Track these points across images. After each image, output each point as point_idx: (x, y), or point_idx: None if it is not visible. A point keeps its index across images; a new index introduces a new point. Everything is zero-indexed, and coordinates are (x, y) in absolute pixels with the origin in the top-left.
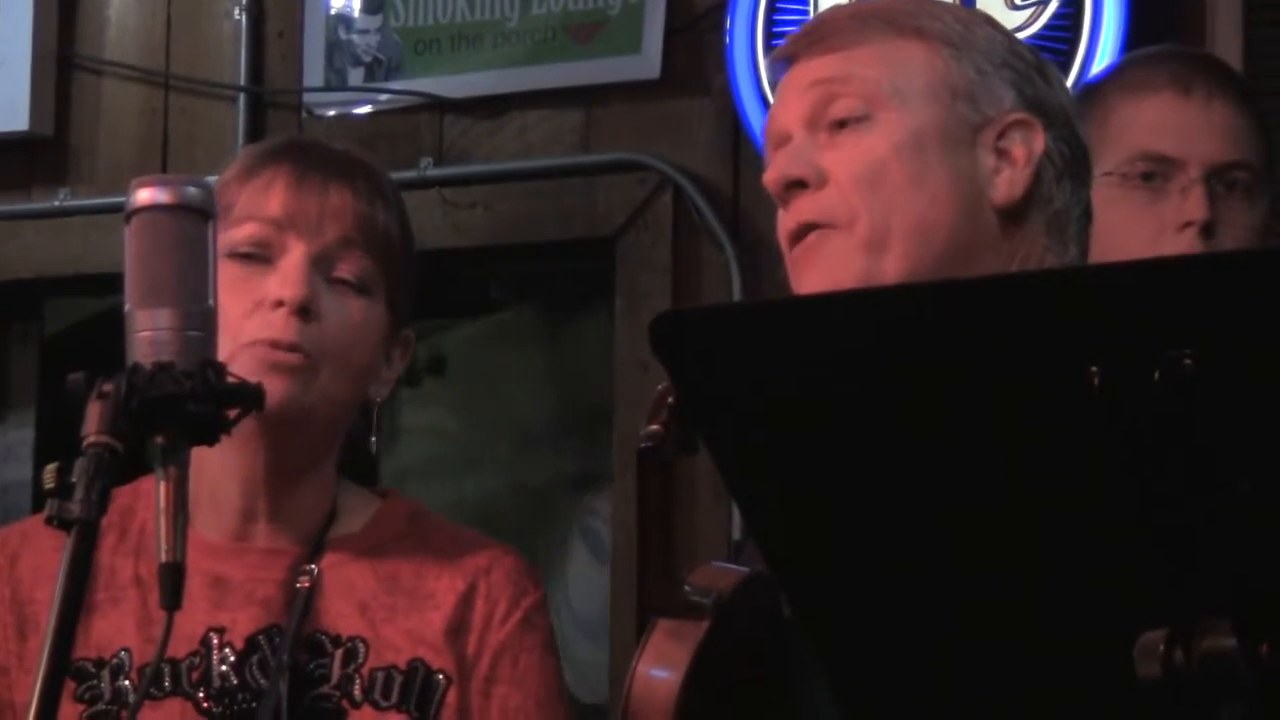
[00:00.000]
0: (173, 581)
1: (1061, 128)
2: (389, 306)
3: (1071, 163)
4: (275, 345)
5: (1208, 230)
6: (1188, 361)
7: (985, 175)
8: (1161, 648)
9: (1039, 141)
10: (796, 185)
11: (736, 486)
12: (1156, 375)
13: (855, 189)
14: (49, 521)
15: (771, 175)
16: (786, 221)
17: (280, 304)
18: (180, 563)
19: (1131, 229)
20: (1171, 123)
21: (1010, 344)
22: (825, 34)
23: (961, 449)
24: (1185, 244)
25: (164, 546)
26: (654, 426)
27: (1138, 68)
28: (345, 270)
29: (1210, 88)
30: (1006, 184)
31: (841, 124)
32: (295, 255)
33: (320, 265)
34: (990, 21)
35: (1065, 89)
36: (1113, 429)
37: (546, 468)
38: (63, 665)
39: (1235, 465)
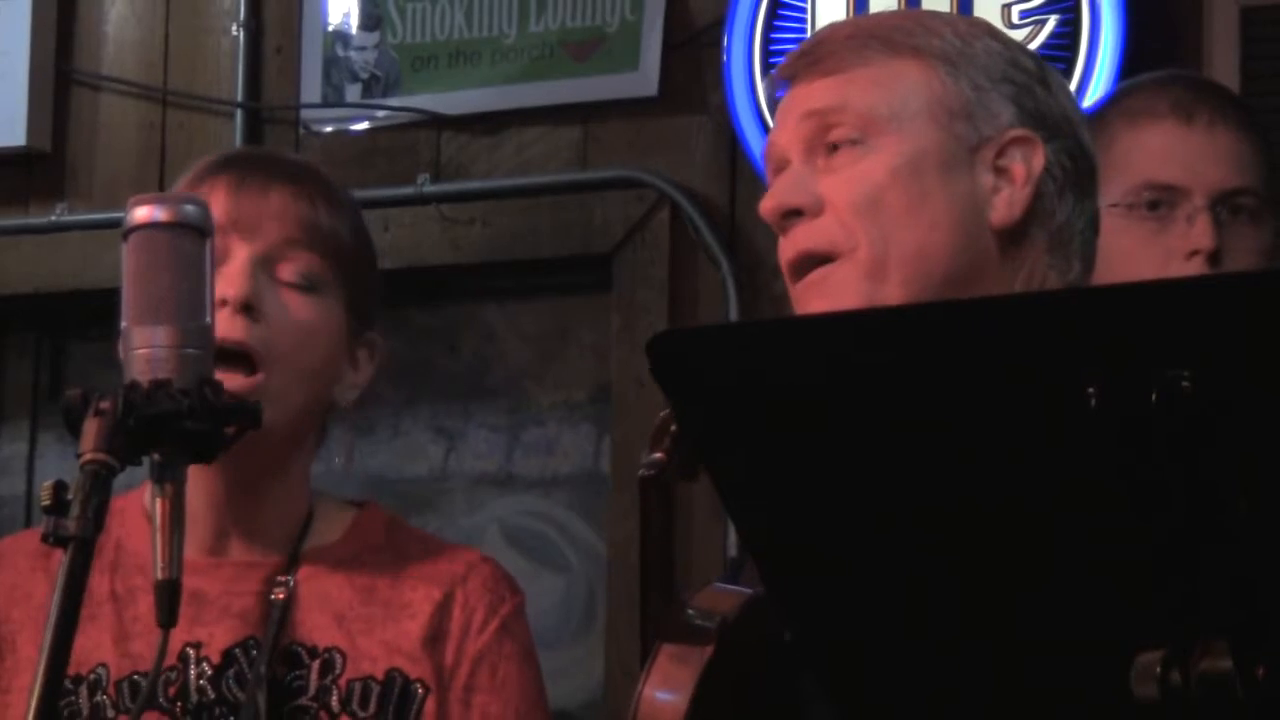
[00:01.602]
0: (169, 598)
1: (1064, 139)
2: (346, 307)
3: (1074, 175)
4: (222, 344)
5: (1214, 259)
6: (1185, 382)
7: (984, 196)
8: (1158, 669)
9: (1039, 158)
10: (793, 214)
11: (733, 503)
12: (1154, 396)
13: (853, 215)
14: (45, 539)
15: (768, 204)
16: (786, 251)
17: (224, 303)
18: (177, 579)
19: (1139, 258)
20: (1175, 151)
21: (1008, 364)
22: (821, 56)
23: (959, 469)
24: (1192, 272)
25: (160, 563)
26: (657, 454)
27: (1139, 95)
28: (289, 270)
29: (1213, 114)
30: (1005, 205)
31: (838, 147)
32: (238, 258)
33: (264, 265)
34: (992, 32)
35: (1070, 96)
36: (1109, 449)
37: None
38: (58, 682)
39: (1232, 486)
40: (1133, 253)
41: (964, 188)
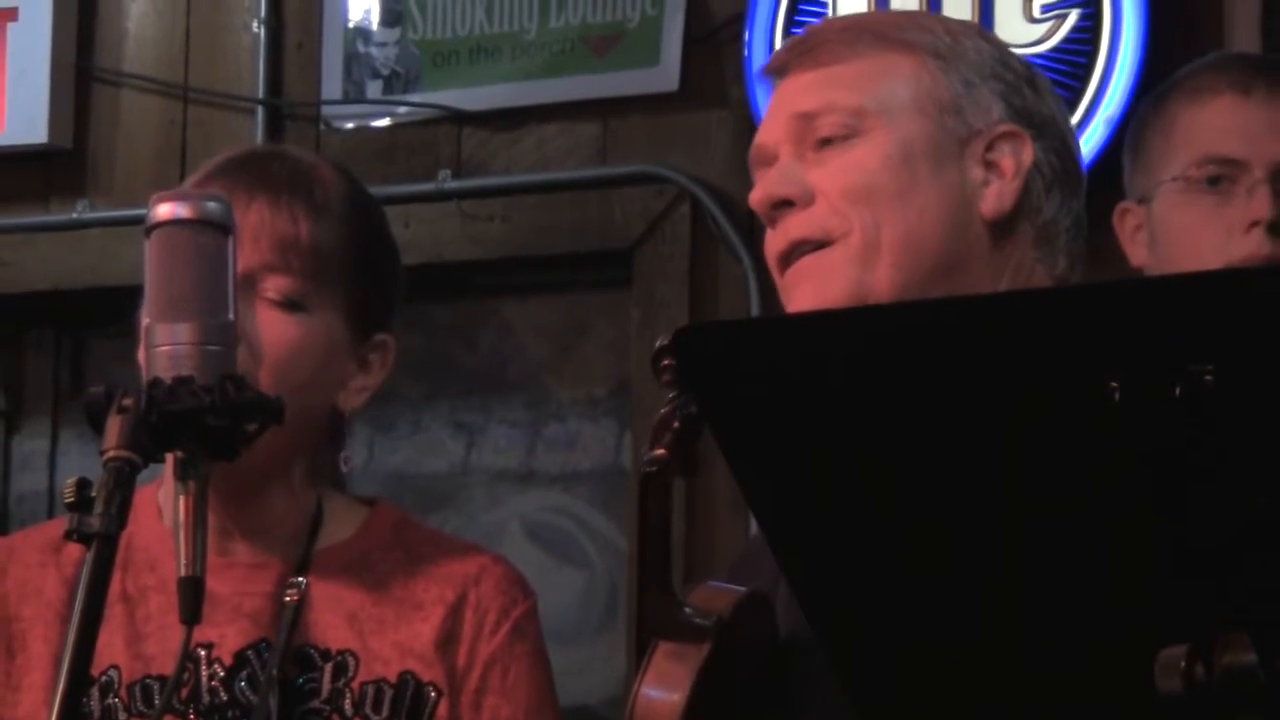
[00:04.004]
0: (193, 595)
1: (1051, 139)
2: (346, 316)
3: (1061, 174)
4: None
5: (1274, 229)
6: (1208, 377)
7: (974, 187)
8: (1183, 663)
9: (1027, 153)
10: (784, 205)
11: (754, 497)
12: (1176, 390)
13: (846, 202)
14: (68, 535)
15: (757, 196)
16: (776, 242)
17: None
18: (200, 577)
19: (1200, 233)
20: (1234, 124)
21: (1031, 359)
22: (813, 47)
23: (981, 462)
24: (1253, 244)
25: (183, 560)
26: (658, 451)
27: (1197, 75)
28: (271, 290)
29: (1270, 87)
30: (995, 196)
31: (828, 141)
32: None
33: (244, 285)
34: (981, 34)
35: (1057, 100)
36: (1132, 444)
37: None
38: (82, 681)
39: (1253, 479)
40: (1194, 228)
41: (953, 178)
